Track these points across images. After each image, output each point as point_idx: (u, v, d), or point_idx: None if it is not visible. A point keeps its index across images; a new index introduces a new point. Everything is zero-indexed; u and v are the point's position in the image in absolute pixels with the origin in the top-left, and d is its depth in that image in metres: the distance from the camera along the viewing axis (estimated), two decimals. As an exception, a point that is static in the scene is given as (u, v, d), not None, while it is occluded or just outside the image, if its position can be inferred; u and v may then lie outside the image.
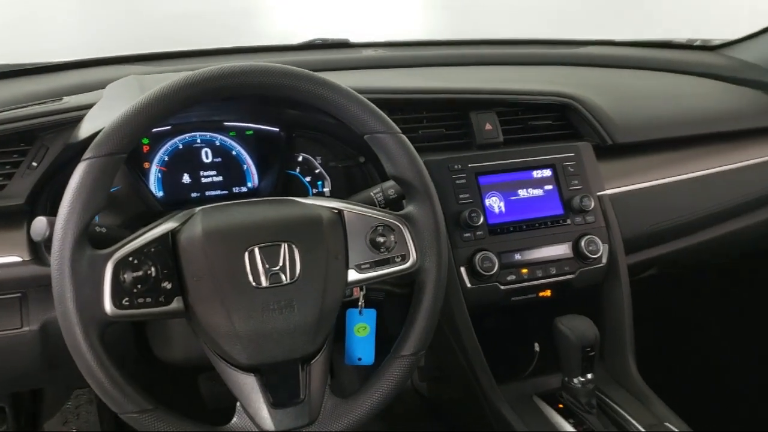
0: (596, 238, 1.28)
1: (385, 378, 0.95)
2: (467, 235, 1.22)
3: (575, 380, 1.18)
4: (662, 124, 1.48)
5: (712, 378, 2.01)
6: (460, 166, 1.25)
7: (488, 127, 1.31)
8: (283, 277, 0.88)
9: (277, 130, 1.24)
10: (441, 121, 1.31)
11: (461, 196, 1.23)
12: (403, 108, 1.27)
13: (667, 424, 1.16)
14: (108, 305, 0.82)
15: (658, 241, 1.45)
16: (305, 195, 1.24)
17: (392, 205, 1.05)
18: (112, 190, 1.00)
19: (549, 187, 1.30)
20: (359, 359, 1.15)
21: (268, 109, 1.22)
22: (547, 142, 1.35)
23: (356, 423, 0.93)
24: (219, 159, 1.23)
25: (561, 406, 1.21)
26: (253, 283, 0.87)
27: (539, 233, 1.27)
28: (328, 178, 1.29)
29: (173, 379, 1.44)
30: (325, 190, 1.29)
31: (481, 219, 1.22)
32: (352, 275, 0.94)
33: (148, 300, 0.85)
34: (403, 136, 0.97)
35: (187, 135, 1.21)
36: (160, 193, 1.19)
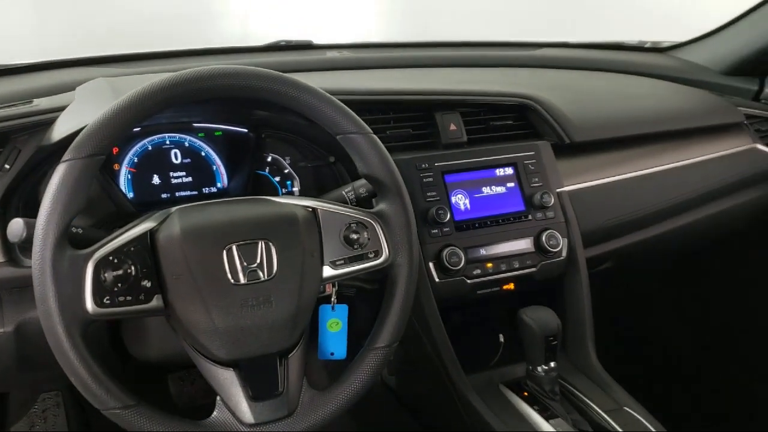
0: (556, 232, 1.33)
1: (360, 370, 0.98)
2: (435, 231, 1.25)
3: (539, 369, 1.22)
4: (616, 124, 1.53)
5: (666, 364, 2.09)
6: (427, 165, 1.28)
7: (453, 127, 1.34)
8: (260, 274, 0.90)
9: (246, 130, 1.26)
10: (407, 122, 1.34)
11: (428, 194, 1.27)
12: (371, 109, 1.29)
13: (626, 408, 1.21)
14: (89, 304, 0.83)
15: (614, 235, 1.50)
16: (275, 195, 1.26)
17: (363, 203, 1.08)
18: None
19: (511, 184, 1.34)
20: (332, 354, 1.18)
21: (236, 110, 1.23)
22: (509, 142, 1.39)
23: (333, 414, 0.95)
24: (188, 160, 1.24)
25: (526, 393, 1.25)
26: (232, 280, 0.89)
27: (502, 229, 1.31)
28: (297, 177, 1.31)
29: (143, 379, 1.44)
30: (294, 189, 1.31)
31: (448, 216, 1.26)
32: (327, 271, 0.97)
33: (129, 298, 0.86)
34: (375, 137, 1.00)
35: (156, 136, 1.21)
36: (130, 194, 1.19)
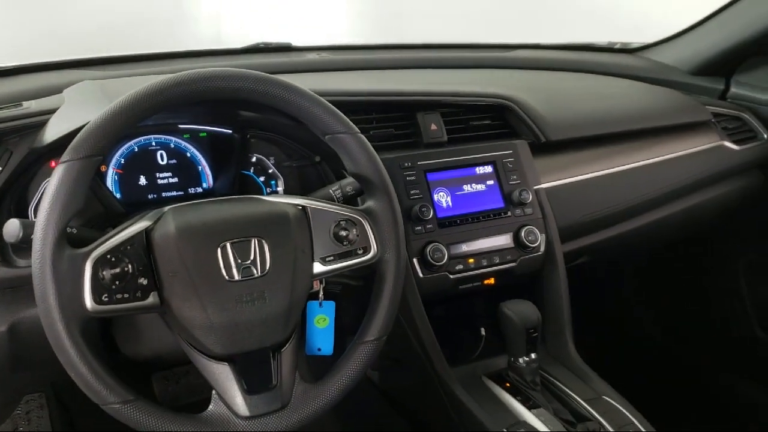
0: (534, 228, 1.36)
1: (350, 363, 1.01)
2: (418, 228, 1.28)
3: (520, 360, 1.25)
4: (590, 123, 1.56)
5: (640, 354, 2.15)
6: (410, 164, 1.31)
7: (434, 127, 1.37)
8: (254, 270, 0.93)
9: (230, 131, 1.27)
10: (390, 122, 1.36)
11: (412, 191, 1.29)
12: (354, 110, 1.31)
13: (605, 397, 1.24)
14: (88, 301, 0.85)
15: (589, 230, 1.54)
16: (260, 194, 1.28)
17: (349, 201, 1.10)
18: None
19: (491, 182, 1.37)
20: (319, 349, 1.19)
21: (221, 111, 1.25)
22: (488, 141, 1.42)
23: (325, 406, 0.98)
24: (174, 161, 1.25)
25: (508, 384, 1.28)
26: (226, 277, 0.91)
27: (483, 225, 1.34)
28: (281, 177, 1.33)
29: (127, 379, 1.45)
30: (278, 189, 1.32)
31: (431, 213, 1.28)
32: (317, 267, 0.99)
33: (126, 296, 0.88)
34: (363, 136, 1.02)
35: (142, 138, 1.22)
36: (117, 195, 1.20)
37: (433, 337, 1.29)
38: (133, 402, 0.87)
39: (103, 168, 1.19)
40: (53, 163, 1.12)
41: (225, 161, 1.28)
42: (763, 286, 1.91)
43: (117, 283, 0.87)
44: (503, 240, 1.35)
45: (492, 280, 1.36)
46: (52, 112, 1.09)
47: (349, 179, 1.11)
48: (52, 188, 0.85)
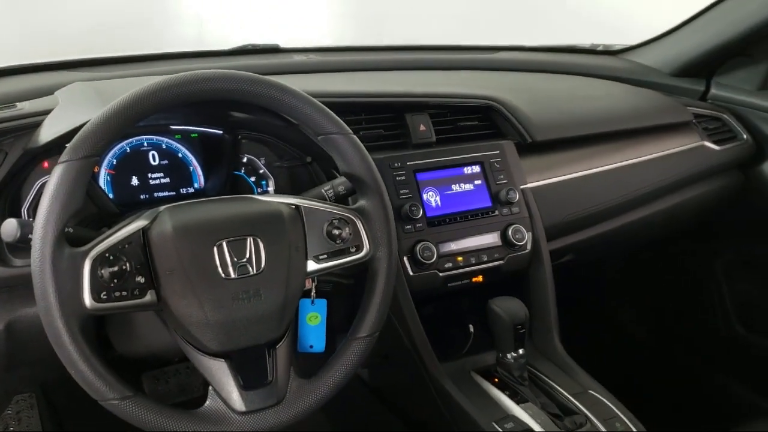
0: (521, 227, 1.38)
1: (344, 359, 1.03)
2: (408, 227, 1.30)
3: (508, 356, 1.28)
4: (574, 124, 1.59)
5: (624, 349, 2.18)
6: (399, 164, 1.33)
7: (422, 128, 1.39)
8: (250, 268, 0.94)
9: (221, 132, 1.29)
10: (379, 123, 1.38)
11: (401, 191, 1.31)
12: (344, 111, 1.32)
13: (590, 391, 1.27)
14: (87, 299, 0.86)
15: (575, 228, 1.56)
16: (251, 194, 1.29)
17: (341, 201, 1.12)
18: None
19: (478, 182, 1.40)
20: (311, 347, 1.21)
21: (212, 112, 1.26)
22: (475, 141, 1.44)
23: (320, 401, 1.00)
24: (166, 161, 1.26)
25: (496, 379, 1.30)
26: (223, 275, 0.93)
27: (471, 224, 1.36)
28: (271, 177, 1.34)
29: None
30: (269, 189, 1.34)
31: (421, 212, 1.30)
32: (311, 265, 1.01)
33: (124, 293, 0.89)
34: (355, 137, 1.04)
35: (134, 138, 1.23)
36: (110, 195, 1.21)
37: (423, 333, 1.31)
38: (132, 398, 0.88)
39: (95, 169, 1.19)
40: (46, 164, 1.13)
41: (216, 162, 1.29)
42: (741, 284, 1.95)
43: (115, 281, 0.88)
44: (491, 238, 1.38)
45: (480, 278, 1.38)
46: (46, 113, 1.09)
47: (341, 179, 1.13)
48: (51, 188, 0.86)
